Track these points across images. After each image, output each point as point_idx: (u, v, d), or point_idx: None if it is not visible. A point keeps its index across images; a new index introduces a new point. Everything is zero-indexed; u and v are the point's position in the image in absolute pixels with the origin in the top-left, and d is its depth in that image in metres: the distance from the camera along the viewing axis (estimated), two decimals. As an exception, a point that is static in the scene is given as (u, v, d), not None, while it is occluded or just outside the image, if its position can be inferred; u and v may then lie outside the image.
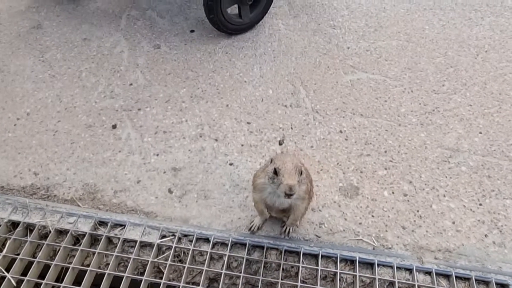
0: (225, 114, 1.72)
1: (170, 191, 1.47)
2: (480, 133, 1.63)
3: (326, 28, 2.12)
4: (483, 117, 1.69)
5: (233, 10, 2.02)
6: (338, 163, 1.55)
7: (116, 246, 1.33)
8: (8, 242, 1.33)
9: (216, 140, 1.63)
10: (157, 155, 1.58)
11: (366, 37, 2.06)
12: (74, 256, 1.33)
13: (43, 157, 1.58)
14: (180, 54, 1.99)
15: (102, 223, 1.39)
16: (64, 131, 1.66)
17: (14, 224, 1.39)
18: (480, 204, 1.41)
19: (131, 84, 1.85)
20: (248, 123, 1.69)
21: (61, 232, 1.38)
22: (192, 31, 2.12)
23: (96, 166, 1.55)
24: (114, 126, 1.68)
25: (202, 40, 2.06)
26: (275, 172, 1.05)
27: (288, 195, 1.03)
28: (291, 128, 1.67)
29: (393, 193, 1.45)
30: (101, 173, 1.53)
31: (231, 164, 1.55)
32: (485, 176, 1.49)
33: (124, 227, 1.37)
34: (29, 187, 1.49)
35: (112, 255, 1.31)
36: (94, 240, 1.38)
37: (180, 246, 1.32)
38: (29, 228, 1.38)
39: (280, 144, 1.62)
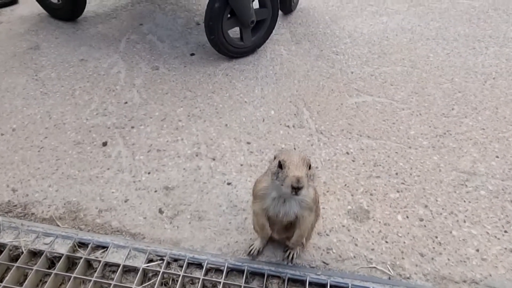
0: (224, 134, 1.62)
1: (160, 211, 1.33)
2: (497, 157, 1.52)
3: (329, 54, 2.08)
4: (498, 141, 1.59)
5: (235, 34, 1.99)
6: (345, 185, 1.42)
7: (95, 271, 1.16)
8: (-28, 264, 1.17)
9: (214, 159, 1.51)
10: (149, 173, 1.45)
11: (369, 63, 2.01)
12: (46, 282, 1.15)
13: (25, 173, 1.45)
14: (179, 76, 1.92)
15: (82, 245, 1.23)
16: (50, 148, 1.55)
17: (-18, 245, 1.23)
18: (506, 231, 1.27)
19: (126, 103, 1.76)
20: (248, 143, 1.58)
21: (35, 254, 1.22)
22: (192, 54, 2.08)
23: (81, 183, 1.42)
24: (104, 144, 1.57)
25: (202, 63, 2.01)
26: (280, 165, 0.92)
27: (296, 190, 0.89)
28: (294, 149, 1.56)
29: (407, 217, 1.31)
30: (85, 191, 1.39)
31: (229, 184, 1.42)
32: (507, 201, 1.36)
33: (106, 249, 1.21)
34: (4, 205, 1.34)
35: (91, 280, 1.14)
36: (72, 263, 1.21)
37: (169, 271, 1.16)
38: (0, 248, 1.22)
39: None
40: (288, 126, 1.66)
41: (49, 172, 1.45)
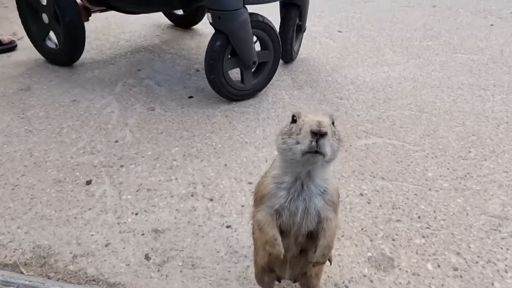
0: (223, 174, 1.46)
1: (147, 257, 1.12)
2: (527, 200, 1.36)
3: (332, 98, 2.01)
4: (524, 184, 1.44)
5: (236, 76, 1.93)
6: (362, 229, 1.24)
7: (60, 330, 0.93)
8: None
9: (211, 199, 1.33)
10: (136, 214, 1.26)
11: (375, 107, 1.93)
12: None
13: (-8, 212, 1.25)
14: (176, 116, 1.81)
15: (48, 297, 1.01)
16: (26, 186, 1.37)
17: None
18: (555, 283, 1.07)
19: (116, 141, 1.62)
20: (250, 183, 1.42)
21: (-13, 309, 0.99)
22: (190, 97, 1.99)
23: (56, 225, 1.22)
24: (88, 182, 1.40)
25: (201, 105, 1.91)
26: (294, 120, 0.72)
27: (318, 137, 0.66)
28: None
29: (438, 266, 1.11)
30: (60, 234, 1.19)
31: (228, 227, 1.23)
32: (550, 248, 1.18)
33: (77, 303, 0.99)
34: (-39, 248, 1.13)
35: None
36: (31, 321, 0.98)
37: (153, 331, 0.93)
38: None
39: (289, 206, 1.32)
40: (293, 167, 1.51)
41: (20, 212, 1.26)
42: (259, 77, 1.97)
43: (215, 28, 1.78)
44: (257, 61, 1.89)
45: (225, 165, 1.51)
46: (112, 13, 2.90)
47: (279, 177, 0.79)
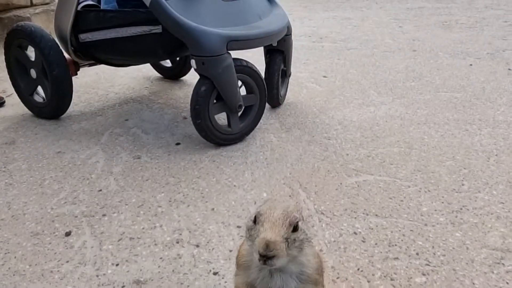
0: (210, 218, 1.40)
1: (126, 312, 1.03)
2: (527, 230, 1.31)
3: (321, 139, 2.00)
4: (522, 214, 1.39)
5: (223, 122, 1.93)
6: (358, 269, 1.16)
7: None
8: None
9: (197, 246, 1.26)
10: (117, 265, 1.18)
11: (364, 145, 1.92)
12: None
13: (-40, 271, 1.17)
14: (162, 163, 1.78)
15: None
16: (0, 240, 1.29)
17: None
18: None
19: (100, 190, 1.57)
20: (239, 226, 1.36)
21: None
22: (177, 143, 1.97)
23: (30, 280, 1.13)
24: (67, 234, 1.32)
25: (188, 151, 1.89)
26: (255, 220, 0.69)
27: (264, 259, 0.62)
28: (290, 196, 1.33)
29: (442, 305, 1.03)
30: (33, 290, 1.10)
31: (215, 274, 1.15)
32: (558, 280, 1.11)
33: None
34: None
35: None
36: None
37: None
38: None
39: (280, 248, 1.25)
40: (283, 208, 1.45)
41: (-8, 269, 1.17)
42: (245, 120, 1.97)
43: (200, 74, 1.80)
44: (243, 104, 1.90)
45: (213, 209, 1.45)
46: (102, 68, 2.97)
47: (251, 254, 0.74)
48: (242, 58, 1.92)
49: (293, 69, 2.57)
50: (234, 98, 1.84)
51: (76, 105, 2.47)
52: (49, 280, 1.13)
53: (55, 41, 2.12)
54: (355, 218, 1.39)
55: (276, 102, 2.38)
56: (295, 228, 0.68)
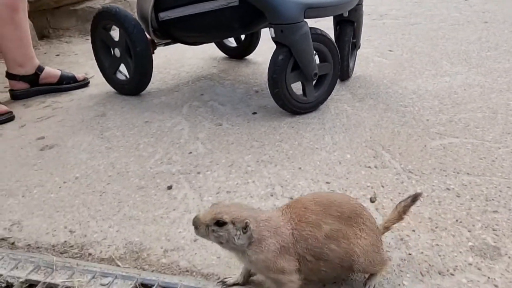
0: (299, 176, 1.46)
1: (236, 250, 1.11)
2: None
3: (396, 107, 1.98)
4: None
5: (298, 90, 1.97)
6: (457, 220, 1.16)
7: (161, 315, 0.93)
8: (18, 306, 0.97)
9: (291, 198, 1.32)
10: (220, 212, 1.27)
11: (444, 111, 1.88)
12: (101, 326, 0.92)
13: (84, 215, 1.32)
14: (243, 129, 1.86)
15: (146, 287, 1.02)
16: (112, 192, 1.43)
17: (31, 286, 1.04)
18: None
19: (190, 153, 1.68)
20: (328, 182, 1.40)
21: (89, 297, 1.01)
22: (254, 113, 2.04)
23: (144, 223, 1.25)
24: (169, 187, 1.44)
25: (265, 119, 1.96)
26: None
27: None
28: (382, 187, 1.35)
29: (553, 253, 1.01)
30: (149, 231, 1.22)
31: (313, 222, 1.20)
32: None
33: (174, 292, 0.99)
34: (60, 245, 1.18)
35: (155, 326, 0.89)
36: (132, 308, 0.98)
37: (254, 316, 0.90)
38: (49, 290, 1.03)
39: (372, 201, 1.28)
40: (369, 167, 1.48)
41: (110, 214, 1.31)
42: (320, 89, 2.00)
43: (277, 43, 1.85)
44: (318, 73, 1.93)
45: (300, 168, 1.51)
46: (170, 51, 3.13)
47: None
48: (315, 27, 1.95)
49: (360, 42, 2.55)
50: (310, 66, 1.88)
51: (153, 84, 2.62)
52: (161, 224, 1.25)
53: (137, 20, 2.27)
54: (446, 176, 1.38)
55: (345, 74, 2.37)
56: (219, 224, 0.83)
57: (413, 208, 1.20)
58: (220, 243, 0.84)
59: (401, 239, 1.11)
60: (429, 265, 1.01)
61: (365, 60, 2.77)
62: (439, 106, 1.94)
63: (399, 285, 0.96)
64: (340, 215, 0.87)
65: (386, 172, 1.43)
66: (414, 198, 0.99)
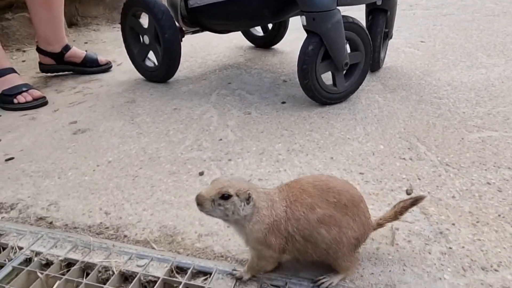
0: (331, 166, 1.43)
1: (270, 237, 1.10)
2: None
3: (430, 99, 1.92)
4: None
5: (328, 80, 1.94)
6: (499, 215, 1.12)
7: (198, 298, 0.93)
8: (57, 283, 0.99)
9: (324, 188, 1.30)
10: (252, 200, 1.26)
11: (481, 104, 1.82)
12: (139, 306, 0.94)
13: (119, 198, 1.33)
14: (272, 118, 1.84)
15: (181, 270, 1.02)
16: (144, 176, 1.45)
17: (70, 264, 1.06)
18: None
19: (220, 140, 1.68)
20: (361, 173, 1.37)
21: (126, 278, 1.02)
22: (283, 102, 2.02)
23: (177, 208, 1.26)
24: (201, 173, 1.44)
25: (295, 109, 1.93)
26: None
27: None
28: (418, 179, 1.32)
29: None
30: (183, 216, 1.22)
31: (348, 212, 1.18)
32: None
33: (210, 276, 0.99)
34: (96, 226, 1.20)
35: (193, 308, 0.90)
36: (168, 290, 0.99)
37: (291, 303, 0.89)
38: (87, 269, 1.04)
39: (408, 193, 1.25)
40: (404, 159, 1.44)
41: (143, 198, 1.32)
42: (351, 79, 1.96)
43: (308, 31, 1.82)
44: (349, 62, 1.89)
45: (332, 158, 1.48)
46: (196, 40, 3.13)
47: None
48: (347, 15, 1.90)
49: (392, 32, 2.47)
50: (341, 55, 1.84)
51: (180, 71, 2.62)
52: (194, 209, 1.24)
53: (166, 7, 2.27)
54: (486, 170, 1.34)
55: (376, 65, 2.32)
56: (225, 197, 0.84)
57: (452, 202, 1.17)
58: (226, 215, 0.86)
59: (440, 233, 1.08)
60: (471, 260, 0.98)
61: (396, 51, 2.70)
62: (475, 99, 1.88)
63: (440, 279, 0.93)
64: (336, 202, 0.87)
65: (422, 164, 1.40)
66: (415, 201, 0.96)
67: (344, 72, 1.94)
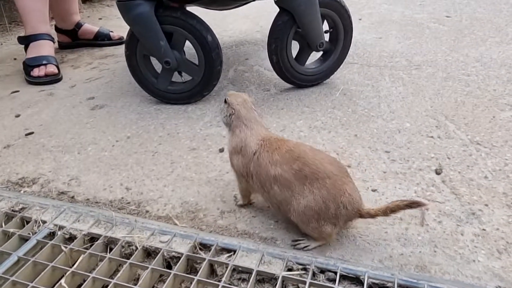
0: (355, 143, 1.39)
1: (295, 215, 1.07)
2: None
3: (458, 75, 1.84)
4: None
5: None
6: (536, 196, 1.07)
7: (223, 275, 0.91)
8: (82, 257, 0.99)
9: (349, 166, 1.26)
10: (275, 177, 1.23)
11: (513, 82, 1.73)
12: (163, 281, 0.93)
13: (139, 173, 1.32)
14: (293, 95, 1.79)
15: (204, 246, 1.01)
16: (164, 152, 1.43)
17: (93, 239, 1.06)
18: None
19: (240, 117, 1.64)
20: (387, 151, 1.33)
21: (149, 253, 1.01)
22: (303, 79, 1.96)
23: (198, 184, 1.24)
24: (221, 150, 1.41)
25: (315, 86, 1.87)
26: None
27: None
28: (448, 158, 1.26)
29: None
30: (204, 192, 1.20)
31: (374, 191, 1.14)
32: None
33: (234, 253, 0.97)
34: (118, 201, 1.19)
35: (218, 285, 0.88)
36: (191, 267, 0.98)
37: (318, 282, 0.87)
38: (110, 244, 1.04)
39: (438, 173, 1.20)
40: (432, 137, 1.38)
41: (164, 174, 1.31)
42: (328, 60, 1.82)
43: (279, 7, 1.67)
44: (325, 43, 1.75)
45: (355, 135, 1.44)
46: (212, 16, 3.04)
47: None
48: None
49: (408, 10, 2.36)
50: (315, 34, 1.68)
51: (196, 47, 2.56)
52: (215, 185, 1.23)
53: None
54: (519, 149, 1.28)
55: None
56: (225, 101, 1.09)
57: (484, 182, 1.12)
58: (220, 116, 1.11)
59: (473, 213, 1.03)
60: (507, 242, 0.94)
61: (419, 26, 2.59)
62: (506, 76, 1.79)
63: (474, 261, 0.90)
64: (298, 170, 0.91)
65: (451, 143, 1.34)
66: (412, 203, 0.86)
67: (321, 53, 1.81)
